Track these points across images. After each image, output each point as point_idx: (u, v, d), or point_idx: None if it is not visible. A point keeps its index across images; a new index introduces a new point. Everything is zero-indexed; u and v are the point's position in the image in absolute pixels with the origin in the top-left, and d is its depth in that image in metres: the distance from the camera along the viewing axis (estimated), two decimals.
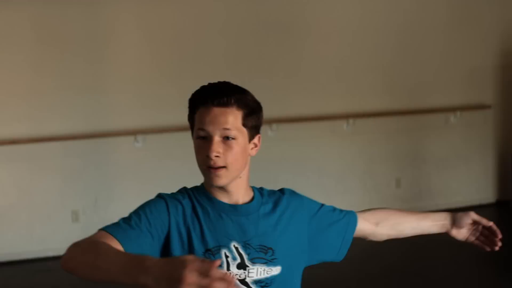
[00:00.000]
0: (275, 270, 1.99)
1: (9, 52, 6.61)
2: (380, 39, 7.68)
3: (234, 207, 2.00)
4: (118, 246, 1.79)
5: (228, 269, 1.94)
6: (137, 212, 1.97)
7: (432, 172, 8.08)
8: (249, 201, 2.03)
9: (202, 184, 2.07)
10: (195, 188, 2.07)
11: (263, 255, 1.98)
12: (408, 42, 7.80)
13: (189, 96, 6.80)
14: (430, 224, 2.32)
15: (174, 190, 7.01)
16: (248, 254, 1.96)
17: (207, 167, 1.93)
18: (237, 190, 2.00)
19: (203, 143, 1.93)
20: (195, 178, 7.57)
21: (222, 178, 1.94)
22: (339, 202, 8.15)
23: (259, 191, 2.09)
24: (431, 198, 8.07)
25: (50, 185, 6.82)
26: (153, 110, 6.96)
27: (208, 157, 1.91)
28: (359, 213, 2.26)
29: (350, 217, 2.22)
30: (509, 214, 7.88)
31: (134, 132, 6.89)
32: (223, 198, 2.00)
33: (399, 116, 7.82)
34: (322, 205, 2.19)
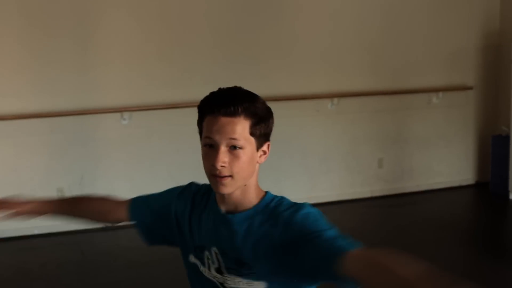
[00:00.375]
0: (258, 285, 1.93)
1: None
2: (365, 20, 7.73)
3: (221, 215, 2.00)
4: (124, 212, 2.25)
5: (209, 269, 2.01)
6: (160, 193, 2.24)
7: (414, 153, 8.18)
8: (244, 210, 1.98)
9: None
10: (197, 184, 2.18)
11: (238, 268, 1.95)
12: (392, 23, 7.86)
13: (176, 73, 6.91)
14: None
15: (161, 167, 7.05)
16: (224, 262, 1.97)
17: (213, 175, 1.91)
18: (238, 198, 1.97)
19: (209, 151, 1.91)
20: (180, 156, 7.64)
21: (227, 187, 1.91)
22: (322, 182, 8.23)
23: (267, 203, 1.97)
24: (413, 178, 8.17)
25: (35, 162, 6.84)
26: (140, 88, 6.99)
27: (214, 166, 1.88)
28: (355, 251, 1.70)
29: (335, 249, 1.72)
30: (488, 195, 7.99)
31: (120, 109, 6.92)
32: (220, 204, 2.01)
33: (383, 96, 7.89)
34: (320, 233, 1.79)
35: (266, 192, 2.02)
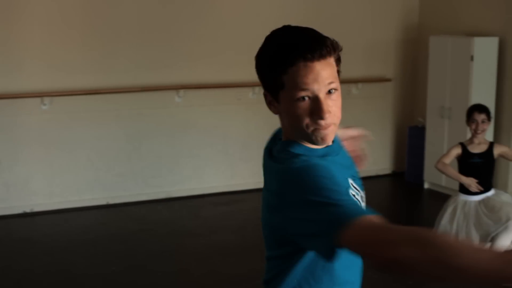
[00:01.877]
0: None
1: None
2: (287, 10, 7.77)
3: (330, 150, 1.82)
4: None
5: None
6: (337, 187, 1.64)
7: None
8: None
9: (295, 145, 1.82)
10: (304, 150, 1.79)
11: (361, 182, 1.93)
12: (313, 13, 7.94)
13: (97, 59, 6.84)
14: None
15: (81, 152, 6.97)
16: (358, 185, 1.88)
17: (317, 129, 1.72)
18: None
19: (305, 104, 1.71)
20: (100, 142, 7.53)
21: (331, 135, 1.76)
22: (243, 170, 8.25)
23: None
24: None
25: None
26: (61, 73, 6.89)
27: (321, 119, 1.70)
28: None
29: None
30: (404, 184, 8.22)
31: (41, 94, 6.82)
32: (316, 147, 1.81)
33: None
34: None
35: None
